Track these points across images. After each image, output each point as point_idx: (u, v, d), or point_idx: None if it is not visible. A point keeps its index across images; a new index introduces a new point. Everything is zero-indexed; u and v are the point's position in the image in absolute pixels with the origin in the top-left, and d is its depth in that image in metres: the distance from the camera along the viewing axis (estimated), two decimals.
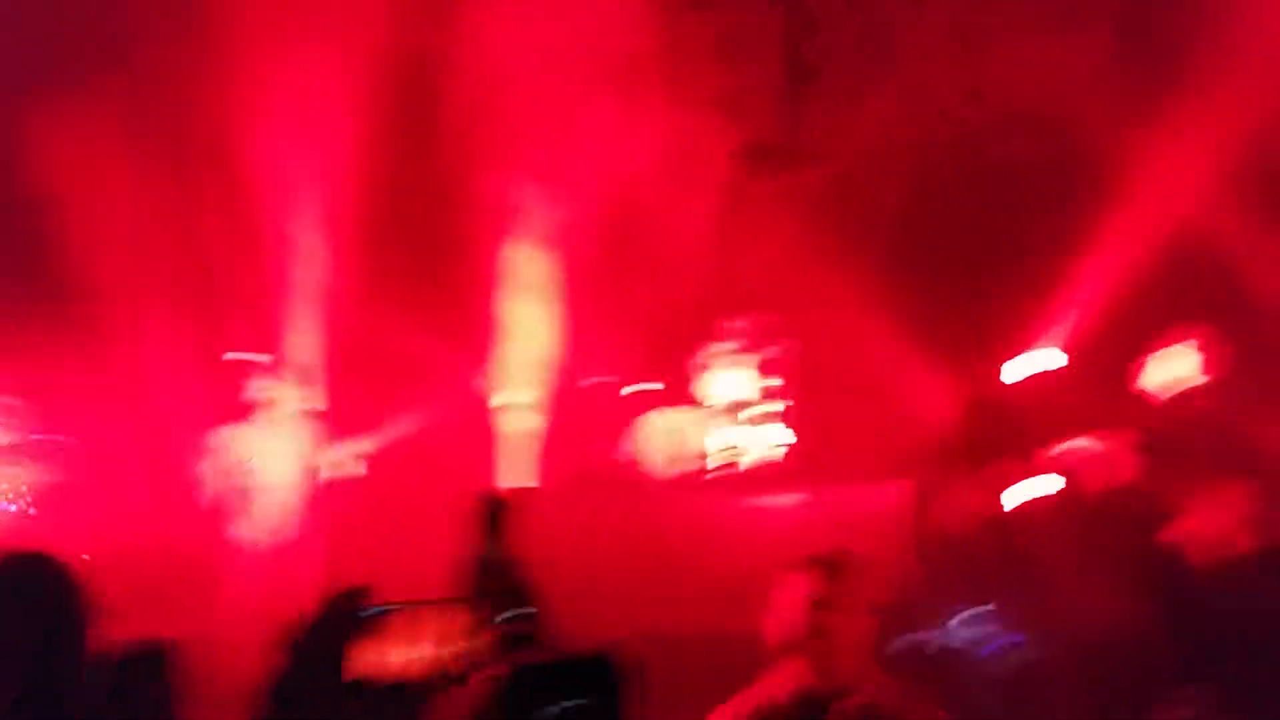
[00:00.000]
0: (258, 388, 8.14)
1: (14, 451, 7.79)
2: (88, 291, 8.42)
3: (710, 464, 8.93)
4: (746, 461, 8.92)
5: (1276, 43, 7.60)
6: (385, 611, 2.32)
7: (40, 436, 8.02)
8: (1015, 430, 6.62)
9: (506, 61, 8.87)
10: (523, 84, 8.91)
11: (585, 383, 9.21)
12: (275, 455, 7.45)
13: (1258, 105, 7.64)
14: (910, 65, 10.01)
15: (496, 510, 3.61)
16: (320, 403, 8.53)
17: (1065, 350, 7.82)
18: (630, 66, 8.81)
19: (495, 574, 2.83)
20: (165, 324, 8.52)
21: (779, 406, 8.99)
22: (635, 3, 8.80)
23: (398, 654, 2.27)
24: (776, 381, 9.01)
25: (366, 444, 8.54)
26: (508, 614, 2.44)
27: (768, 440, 8.95)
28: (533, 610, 2.86)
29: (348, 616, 2.34)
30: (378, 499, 8.25)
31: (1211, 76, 7.75)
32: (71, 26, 9.13)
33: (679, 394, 9.07)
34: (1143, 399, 6.24)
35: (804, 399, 8.98)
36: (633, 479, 8.92)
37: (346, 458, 7.83)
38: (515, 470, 8.50)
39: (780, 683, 2.93)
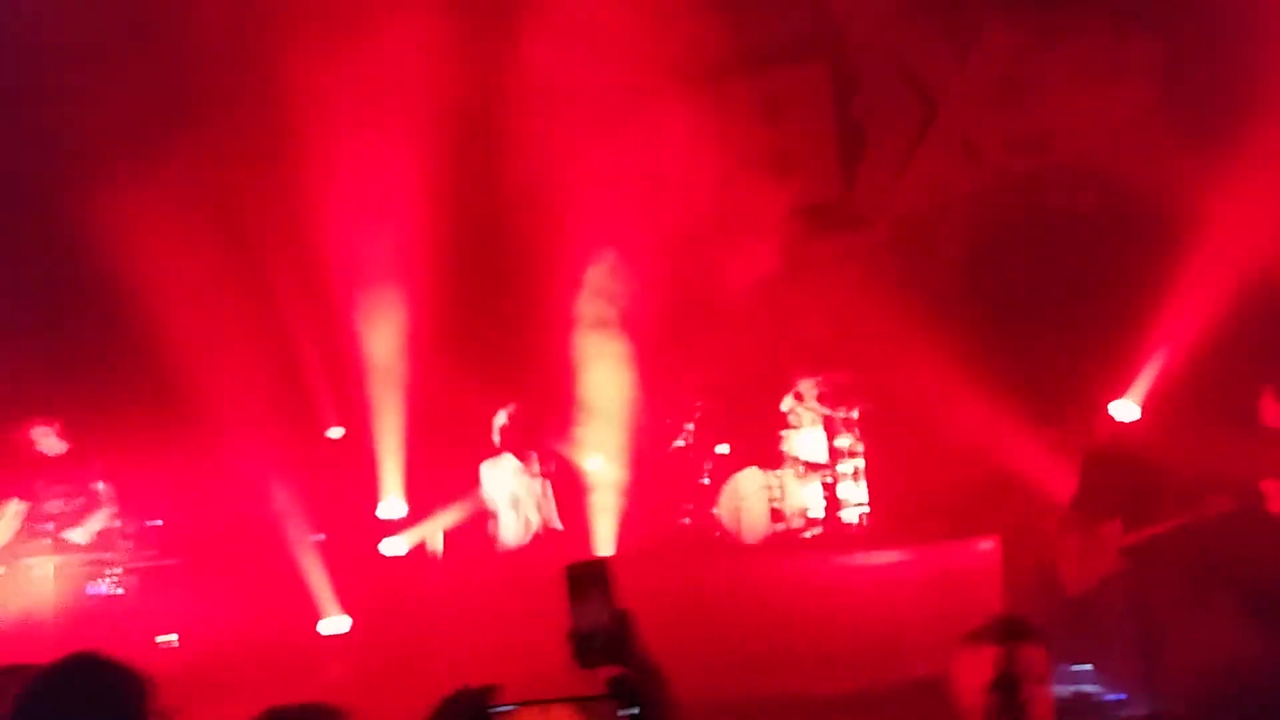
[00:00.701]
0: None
1: (108, 535, 7.91)
2: (174, 375, 8.60)
3: (795, 525, 8.87)
4: (830, 522, 8.89)
5: None
6: (514, 709, 2.34)
7: (134, 520, 8.14)
8: (1129, 491, 6.57)
9: (565, 133, 9.03)
10: (582, 155, 9.05)
11: (666, 446, 9.27)
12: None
13: None
14: (958, 118, 10.10)
15: (593, 577, 3.55)
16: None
17: (1145, 400, 7.81)
18: (682, 130, 8.94)
19: (602, 645, 2.81)
20: (250, 404, 8.67)
21: (860, 464, 8.95)
22: (685, 68, 8.93)
23: None
24: (856, 440, 8.98)
25: (452, 516, 8.61)
26: (634, 710, 2.42)
27: (851, 499, 8.91)
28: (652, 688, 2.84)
29: (476, 715, 2.36)
30: (466, 572, 8.31)
31: (1265, 118, 7.77)
32: (140, 108, 9.32)
33: (760, 455, 9.07)
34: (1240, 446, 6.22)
35: (883, 456, 8.92)
36: (717, 541, 8.92)
37: (433, 533, 7.88)
38: (602, 534, 8.54)
39: None
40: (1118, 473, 6.66)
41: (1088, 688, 6.01)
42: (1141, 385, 7.83)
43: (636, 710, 2.33)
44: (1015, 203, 9.63)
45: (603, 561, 2.55)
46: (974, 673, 2.78)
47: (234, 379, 8.70)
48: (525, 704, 2.27)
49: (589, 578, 2.50)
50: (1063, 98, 9.53)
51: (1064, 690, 6.03)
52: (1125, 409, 7.75)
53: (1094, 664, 6.15)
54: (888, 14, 10.05)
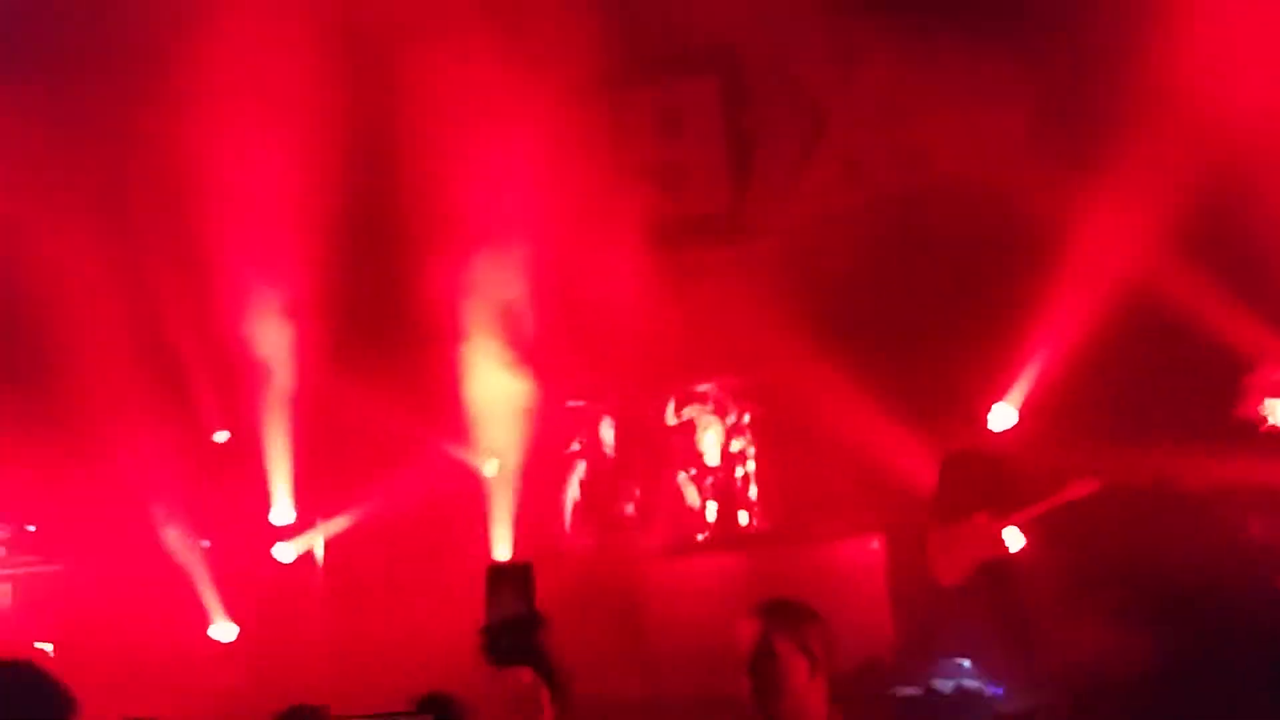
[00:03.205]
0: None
1: None
2: (59, 381, 8.28)
3: (688, 528, 8.99)
4: (723, 524, 9.02)
5: (1191, 108, 8.01)
6: None
7: (8, 525, 7.82)
8: (991, 485, 6.87)
9: (457, 139, 9.01)
10: (474, 160, 9.05)
11: (561, 450, 9.30)
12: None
13: (1177, 168, 8.06)
14: (844, 135, 10.36)
15: (514, 576, 3.64)
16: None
17: (1022, 407, 8.15)
18: (575, 141, 9.00)
19: (512, 643, 2.87)
20: (132, 405, 8.41)
21: (752, 468, 9.12)
22: (578, 79, 9.01)
23: None
24: (748, 443, 9.14)
25: (339, 525, 8.50)
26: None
27: (743, 502, 9.08)
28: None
29: None
30: (358, 577, 8.21)
31: (1132, 143, 8.17)
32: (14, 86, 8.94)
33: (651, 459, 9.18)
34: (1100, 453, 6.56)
35: (775, 459, 9.11)
36: (612, 545, 8.99)
37: (317, 540, 7.76)
38: (498, 538, 8.53)
39: None
40: (975, 470, 6.98)
41: (969, 682, 6.23)
42: (1018, 392, 8.18)
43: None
44: (896, 218, 9.91)
45: (526, 564, 2.60)
46: (736, 644, 2.94)
47: (116, 378, 8.43)
48: None
49: (509, 577, 2.53)
50: (944, 118, 9.85)
51: (946, 684, 6.27)
52: (1003, 414, 8.09)
53: (973, 657, 6.41)
54: (779, 30, 10.28)
